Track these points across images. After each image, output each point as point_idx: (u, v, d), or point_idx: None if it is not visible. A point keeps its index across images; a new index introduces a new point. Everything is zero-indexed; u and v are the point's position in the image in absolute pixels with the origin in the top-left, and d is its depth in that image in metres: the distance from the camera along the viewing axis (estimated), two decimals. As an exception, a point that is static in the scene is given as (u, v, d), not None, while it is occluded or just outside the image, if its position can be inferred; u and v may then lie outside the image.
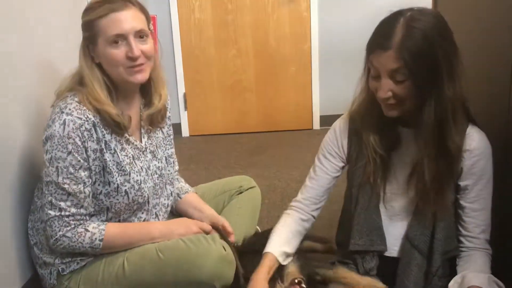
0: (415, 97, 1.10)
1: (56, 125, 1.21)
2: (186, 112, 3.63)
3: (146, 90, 1.38)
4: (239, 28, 3.49)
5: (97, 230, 1.27)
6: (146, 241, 1.32)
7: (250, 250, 1.41)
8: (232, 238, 1.43)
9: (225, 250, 1.28)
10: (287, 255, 1.31)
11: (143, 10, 1.30)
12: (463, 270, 1.18)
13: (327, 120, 3.56)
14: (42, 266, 1.35)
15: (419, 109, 1.11)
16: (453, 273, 1.21)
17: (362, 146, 1.26)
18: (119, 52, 1.24)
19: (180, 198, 1.57)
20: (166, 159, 1.48)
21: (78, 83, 1.28)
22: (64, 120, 1.21)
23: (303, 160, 2.86)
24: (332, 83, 3.53)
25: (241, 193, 1.67)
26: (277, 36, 3.51)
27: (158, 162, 1.43)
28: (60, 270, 1.31)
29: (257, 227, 1.76)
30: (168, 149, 1.51)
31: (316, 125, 3.62)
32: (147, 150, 1.39)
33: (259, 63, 3.57)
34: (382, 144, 1.23)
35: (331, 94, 3.52)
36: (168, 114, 1.50)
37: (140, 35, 1.26)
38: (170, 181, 1.49)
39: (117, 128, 1.28)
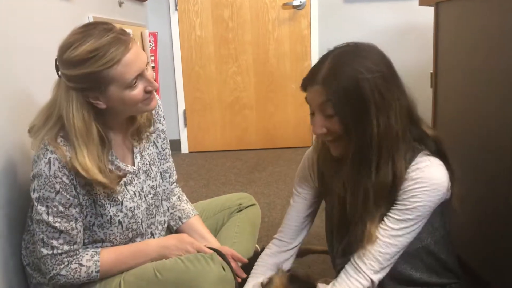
0: (344, 133, 1.08)
1: (42, 163, 1.15)
2: (185, 128, 3.62)
3: None
4: (239, 46, 3.51)
5: (91, 263, 1.23)
6: (144, 263, 1.29)
7: (250, 270, 1.38)
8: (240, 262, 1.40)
9: (224, 270, 1.25)
10: None
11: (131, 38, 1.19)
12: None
13: (327, 138, 3.58)
14: (36, 285, 1.32)
15: (347, 147, 1.10)
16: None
17: (327, 184, 1.26)
18: (139, 91, 1.17)
19: (182, 222, 1.52)
20: (161, 175, 1.44)
21: (55, 135, 1.15)
22: (49, 159, 1.14)
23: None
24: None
25: (240, 210, 1.64)
26: (277, 54, 3.53)
27: (152, 181, 1.39)
28: (54, 290, 1.28)
29: (257, 246, 1.72)
30: (163, 164, 1.46)
31: (316, 142, 3.60)
32: (140, 171, 1.35)
33: (259, 81, 3.57)
34: (342, 185, 1.20)
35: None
36: (162, 126, 1.45)
37: (147, 65, 1.20)
38: (166, 196, 1.46)
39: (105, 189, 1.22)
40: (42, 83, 1.42)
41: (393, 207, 1.11)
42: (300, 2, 3.43)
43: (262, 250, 1.61)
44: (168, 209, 1.47)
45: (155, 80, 1.24)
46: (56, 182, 1.15)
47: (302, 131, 3.63)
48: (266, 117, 3.64)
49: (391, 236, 1.10)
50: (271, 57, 3.53)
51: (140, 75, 1.17)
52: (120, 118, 1.26)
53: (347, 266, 1.16)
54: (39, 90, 1.53)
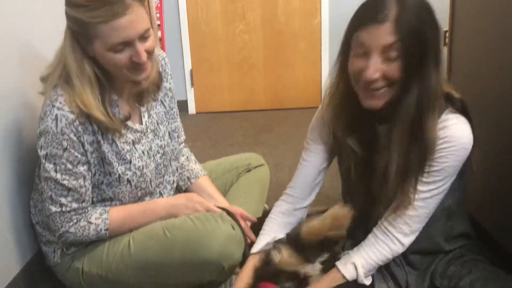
0: (403, 80, 1.00)
1: (49, 120, 1.14)
2: (192, 89, 3.58)
3: None
4: (247, 3, 3.39)
5: (100, 220, 1.23)
6: (153, 221, 1.29)
7: (258, 230, 1.38)
8: (249, 222, 1.39)
9: (233, 229, 1.25)
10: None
11: (142, 1, 1.15)
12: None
13: (336, 98, 3.52)
14: (45, 243, 1.33)
15: (399, 100, 1.02)
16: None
17: (340, 146, 1.19)
18: (122, 57, 1.13)
19: (191, 182, 1.51)
20: (169, 134, 1.41)
21: (64, 81, 1.16)
22: (56, 115, 1.13)
23: (311, 139, 2.82)
24: (342, 60, 3.44)
25: (249, 171, 1.63)
26: (286, 11, 3.41)
27: (160, 140, 1.37)
28: (64, 248, 1.28)
29: (266, 206, 1.72)
30: (171, 124, 1.43)
31: (325, 103, 3.55)
32: (148, 130, 1.33)
33: (267, 39, 3.48)
34: (360, 144, 1.14)
35: (341, 71, 3.44)
36: (169, 84, 1.41)
37: (145, 35, 1.14)
38: (175, 156, 1.44)
39: (110, 130, 1.20)
40: (48, 38, 1.38)
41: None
42: (310, -44, 3.28)
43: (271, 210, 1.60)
44: (177, 169, 1.46)
45: (160, 41, 1.20)
46: (64, 139, 1.14)
47: (311, 91, 3.56)
48: (275, 77, 3.56)
49: (420, 199, 1.08)
50: (279, 15, 3.42)
51: (129, 44, 1.12)
52: (114, 74, 1.21)
53: (375, 230, 1.14)
54: (45, 46, 1.50)
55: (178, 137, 1.48)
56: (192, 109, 3.60)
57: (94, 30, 1.09)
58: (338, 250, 1.21)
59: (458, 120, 1.05)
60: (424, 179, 1.07)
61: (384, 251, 1.12)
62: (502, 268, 1.13)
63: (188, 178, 1.51)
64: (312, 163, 1.30)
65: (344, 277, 1.12)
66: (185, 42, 3.47)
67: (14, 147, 1.38)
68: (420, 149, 1.03)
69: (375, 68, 0.99)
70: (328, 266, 1.17)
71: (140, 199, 1.32)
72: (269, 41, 3.48)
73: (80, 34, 1.13)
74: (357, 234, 1.20)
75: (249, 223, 1.42)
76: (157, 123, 1.37)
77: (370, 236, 1.15)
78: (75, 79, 1.14)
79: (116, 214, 1.26)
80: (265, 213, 1.60)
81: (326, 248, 1.18)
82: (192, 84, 3.56)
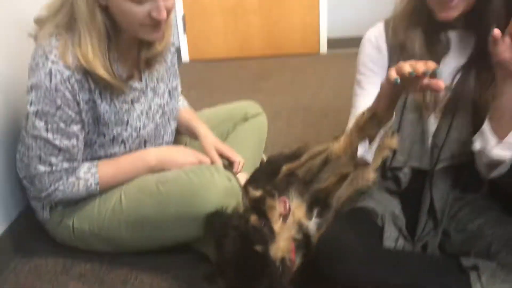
0: None
1: (41, 74, 1.04)
2: (185, 35, 3.43)
3: None
4: None
5: (89, 175, 1.17)
6: (144, 172, 1.23)
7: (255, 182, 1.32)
8: (236, 168, 1.33)
9: (229, 181, 1.19)
10: None
11: None
12: None
13: (335, 43, 3.38)
14: (34, 198, 1.28)
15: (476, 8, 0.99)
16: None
17: (404, 56, 1.10)
18: (141, 11, 1.03)
19: None
20: (169, 93, 1.33)
21: (65, 28, 1.06)
22: (50, 70, 1.04)
23: (309, 86, 2.74)
24: (341, 1, 3.28)
25: (246, 120, 1.57)
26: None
27: (160, 99, 1.29)
28: (53, 204, 1.23)
29: (263, 155, 1.67)
30: (172, 81, 1.35)
31: (324, 48, 3.42)
32: (148, 88, 1.24)
33: (263, -20, 3.30)
34: (430, 51, 1.09)
35: (340, 14, 3.29)
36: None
37: None
38: (174, 116, 1.37)
39: (111, 89, 1.12)
40: None
41: None
42: None
43: (268, 159, 1.56)
44: (175, 129, 1.39)
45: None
46: (58, 97, 1.06)
47: (309, 36, 3.42)
48: (271, 22, 3.41)
49: None
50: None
51: None
52: (125, 29, 1.11)
53: None
54: None
55: (178, 95, 1.40)
56: (185, 56, 3.47)
57: None
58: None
59: None
60: None
61: None
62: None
63: None
64: (372, 93, 1.17)
65: None
66: (176, -16, 3.29)
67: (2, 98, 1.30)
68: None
69: None
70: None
71: None
72: (265, -17, 3.30)
73: None
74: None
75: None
76: (157, 80, 1.28)
77: None
78: (83, 27, 1.04)
79: (106, 167, 1.20)
80: (263, 164, 1.55)
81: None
82: (185, 30, 3.41)
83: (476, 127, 1.05)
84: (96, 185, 1.18)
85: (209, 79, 3.09)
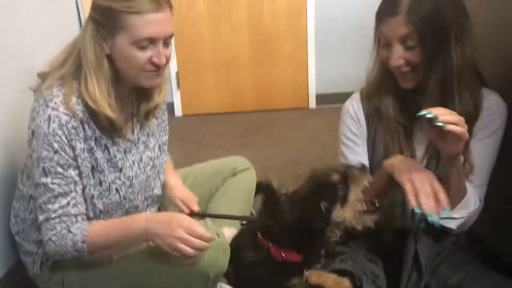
0: (425, 64, 1.08)
1: (41, 120, 1.09)
2: (178, 91, 3.53)
3: None
4: (232, 2, 3.36)
5: (79, 231, 1.15)
6: (129, 237, 1.17)
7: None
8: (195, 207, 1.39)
9: (218, 236, 1.22)
10: None
11: (171, 7, 1.16)
12: None
13: (323, 99, 3.49)
14: (25, 254, 1.29)
15: (428, 79, 1.09)
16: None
17: (381, 122, 1.22)
18: (143, 56, 1.11)
19: None
20: (159, 147, 1.38)
21: (72, 74, 1.13)
22: (49, 116, 1.09)
23: (299, 140, 2.80)
24: (329, 59, 3.43)
25: (235, 175, 1.61)
26: (272, 10, 3.38)
27: (151, 152, 1.34)
28: (44, 259, 1.24)
29: (252, 211, 1.69)
30: (162, 136, 1.40)
31: (312, 103, 3.53)
32: (139, 141, 1.30)
33: (253, 40, 3.45)
34: (403, 114, 1.20)
35: (328, 72, 3.43)
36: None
37: (168, 41, 1.15)
38: (163, 169, 1.41)
39: (112, 130, 1.18)
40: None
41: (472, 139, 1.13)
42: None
43: (258, 214, 1.58)
44: (163, 183, 1.43)
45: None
46: (55, 141, 1.10)
47: (299, 92, 3.54)
48: (261, 78, 3.53)
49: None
50: (265, 15, 3.38)
51: (154, 42, 1.12)
52: (126, 77, 1.17)
53: None
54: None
55: (166, 150, 1.45)
56: (178, 111, 3.56)
57: (125, 21, 1.08)
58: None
59: (494, 92, 1.15)
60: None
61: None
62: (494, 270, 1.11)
63: None
64: (360, 153, 1.29)
65: None
66: (170, 43, 3.43)
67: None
68: None
69: (397, 56, 1.10)
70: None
71: (127, 211, 1.28)
72: (255, 42, 3.45)
73: (103, 26, 1.10)
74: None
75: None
76: (148, 135, 1.34)
77: None
78: (90, 72, 1.11)
79: (95, 227, 1.18)
80: (251, 218, 1.58)
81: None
82: (178, 87, 3.52)
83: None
84: (83, 243, 1.14)
85: (201, 133, 3.15)
